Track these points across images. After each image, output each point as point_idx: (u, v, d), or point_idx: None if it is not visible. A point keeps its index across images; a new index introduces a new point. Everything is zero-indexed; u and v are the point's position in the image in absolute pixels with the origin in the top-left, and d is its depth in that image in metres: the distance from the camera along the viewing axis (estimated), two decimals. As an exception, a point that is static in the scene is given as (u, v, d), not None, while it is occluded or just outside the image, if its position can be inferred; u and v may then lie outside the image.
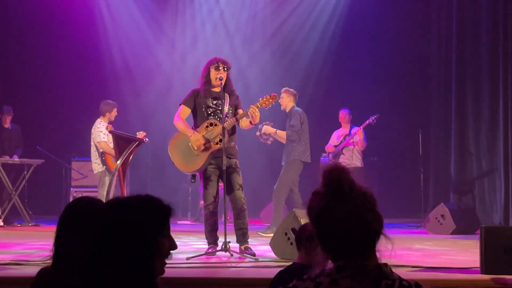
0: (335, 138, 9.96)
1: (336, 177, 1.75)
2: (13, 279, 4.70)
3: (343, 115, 9.92)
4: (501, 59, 10.00)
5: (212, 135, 6.08)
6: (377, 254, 1.74)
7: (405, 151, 11.13)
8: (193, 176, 6.52)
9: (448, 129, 11.01)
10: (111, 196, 7.52)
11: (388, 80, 11.66)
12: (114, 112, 8.95)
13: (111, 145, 8.56)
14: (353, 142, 9.72)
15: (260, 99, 6.20)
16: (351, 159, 9.71)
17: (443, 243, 7.46)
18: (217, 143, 6.05)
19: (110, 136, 8.62)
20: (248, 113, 5.97)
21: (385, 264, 1.73)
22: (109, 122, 8.76)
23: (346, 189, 1.74)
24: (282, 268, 3.20)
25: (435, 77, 11.53)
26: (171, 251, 1.95)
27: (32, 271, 4.97)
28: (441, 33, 11.32)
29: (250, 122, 6.06)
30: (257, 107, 6.02)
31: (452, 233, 8.87)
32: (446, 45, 11.16)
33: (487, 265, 4.80)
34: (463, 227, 8.95)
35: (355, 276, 1.69)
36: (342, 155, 9.75)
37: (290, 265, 3.29)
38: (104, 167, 8.62)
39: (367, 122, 9.72)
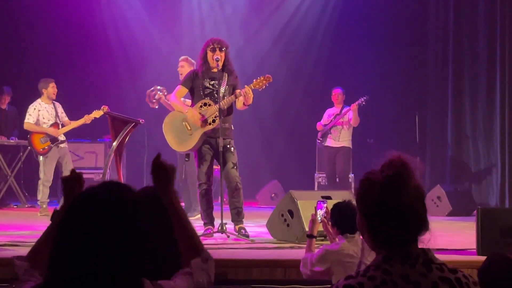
0: (326, 116, 9.60)
1: (399, 166, 1.80)
2: (9, 260, 4.69)
3: (336, 94, 9.50)
4: (498, 42, 9.97)
5: (206, 115, 6.07)
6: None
7: (402, 134, 11.11)
8: (187, 155, 6.52)
9: (445, 112, 11.00)
10: (107, 177, 7.52)
11: (385, 63, 11.61)
12: (51, 89, 8.63)
13: (45, 124, 8.52)
14: (342, 121, 9.37)
15: (254, 80, 6.20)
16: (338, 139, 9.36)
17: (439, 225, 7.46)
18: (210, 123, 6.04)
19: (37, 114, 8.56)
20: (241, 93, 5.99)
21: (428, 249, 1.78)
22: (50, 99, 8.59)
23: (405, 179, 1.79)
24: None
25: (432, 60, 11.49)
26: None
27: (28, 252, 4.97)
28: (439, 15, 11.25)
29: (244, 103, 6.07)
30: (251, 88, 6.05)
31: (448, 215, 8.89)
32: (443, 28, 11.11)
33: (483, 246, 4.82)
34: (459, 209, 8.96)
35: (405, 261, 1.73)
36: (329, 135, 9.42)
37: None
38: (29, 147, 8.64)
39: (357, 103, 9.22)
